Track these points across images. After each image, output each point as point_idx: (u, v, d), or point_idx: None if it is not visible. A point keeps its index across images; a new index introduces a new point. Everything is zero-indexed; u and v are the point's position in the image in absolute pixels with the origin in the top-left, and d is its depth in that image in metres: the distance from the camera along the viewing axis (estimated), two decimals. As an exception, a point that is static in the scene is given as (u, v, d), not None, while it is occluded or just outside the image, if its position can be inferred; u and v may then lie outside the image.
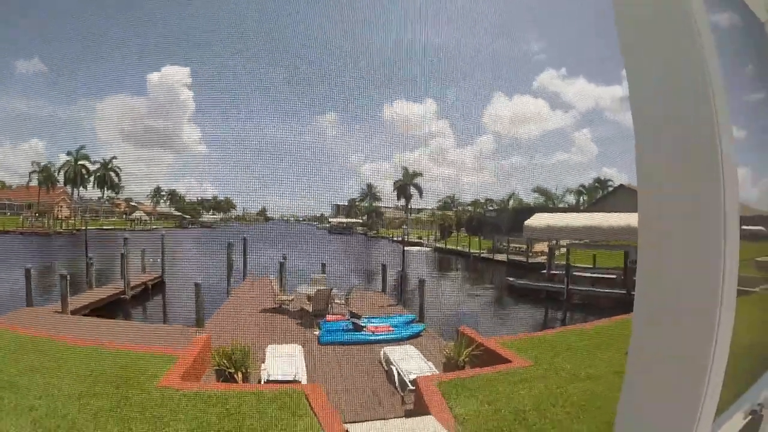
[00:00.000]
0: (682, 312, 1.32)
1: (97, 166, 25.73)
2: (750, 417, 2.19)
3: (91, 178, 26.00)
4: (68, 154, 25.30)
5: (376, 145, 21.84)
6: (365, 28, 14.68)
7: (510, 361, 8.48)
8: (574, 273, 19.40)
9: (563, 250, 21.23)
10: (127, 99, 21.70)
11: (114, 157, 25.58)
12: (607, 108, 27.92)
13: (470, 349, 9.43)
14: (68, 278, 13.70)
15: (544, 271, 21.74)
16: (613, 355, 8.32)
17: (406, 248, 22.93)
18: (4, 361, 7.69)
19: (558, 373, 7.85)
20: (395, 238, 27.84)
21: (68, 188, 26.60)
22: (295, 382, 8.11)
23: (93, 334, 10.78)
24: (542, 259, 23.68)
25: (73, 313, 13.68)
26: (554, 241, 22.09)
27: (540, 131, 25.71)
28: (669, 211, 1.32)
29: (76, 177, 25.67)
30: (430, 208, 29.55)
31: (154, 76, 22.21)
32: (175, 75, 21.88)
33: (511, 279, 21.50)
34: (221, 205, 29.09)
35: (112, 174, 26.08)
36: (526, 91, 26.58)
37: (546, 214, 22.09)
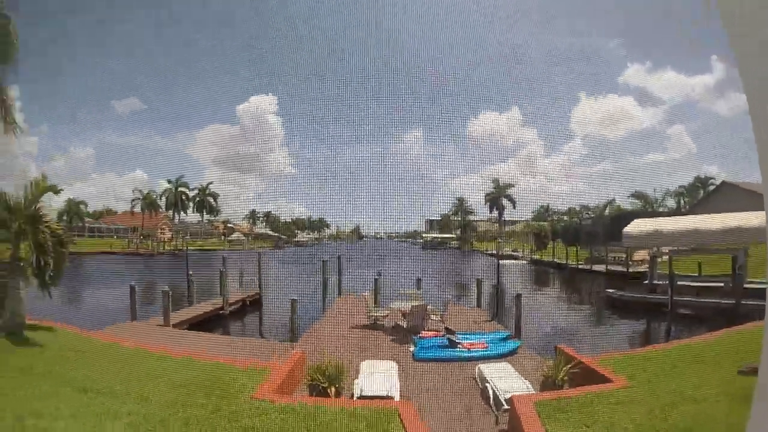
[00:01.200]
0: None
1: (195, 191, 27.87)
2: None
3: (191, 203, 28.22)
4: (169, 182, 27.70)
5: (465, 158, 21.66)
6: (439, 37, 14.71)
7: (610, 381, 8.01)
8: (679, 282, 18.03)
9: (666, 257, 19.82)
10: (221, 128, 23.26)
11: (210, 183, 27.52)
12: (699, 99, 25.81)
13: (568, 367, 9.01)
14: (170, 294, 14.72)
15: (646, 282, 20.50)
16: (723, 374, 7.54)
17: (500, 261, 22.52)
18: (107, 370, 8.31)
19: (662, 393, 7.27)
20: (489, 252, 27.41)
21: (170, 213, 28.98)
22: (387, 398, 8.11)
23: (191, 347, 11.42)
24: (643, 268, 22.33)
25: (175, 326, 14.68)
26: (656, 249, 20.74)
27: (630, 131, 24.26)
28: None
29: (177, 202, 27.93)
30: (524, 219, 28.91)
31: (243, 106, 23.64)
32: (263, 103, 23.13)
33: (610, 291, 20.57)
34: (315, 225, 30.17)
35: (210, 198, 28.07)
36: (612, 89, 25.25)
37: (646, 220, 20.80)
